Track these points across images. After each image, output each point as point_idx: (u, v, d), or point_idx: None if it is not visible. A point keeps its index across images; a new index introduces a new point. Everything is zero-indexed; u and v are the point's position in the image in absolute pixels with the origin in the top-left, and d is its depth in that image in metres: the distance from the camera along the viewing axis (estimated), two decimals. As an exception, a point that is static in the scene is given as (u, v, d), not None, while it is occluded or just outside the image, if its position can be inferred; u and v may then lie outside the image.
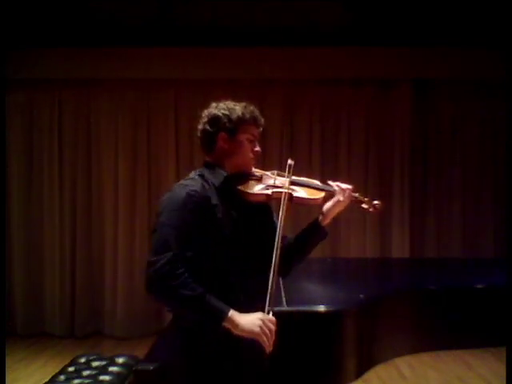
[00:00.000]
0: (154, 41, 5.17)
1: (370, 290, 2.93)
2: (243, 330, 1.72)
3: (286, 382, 2.35)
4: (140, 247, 5.39)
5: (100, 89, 5.47)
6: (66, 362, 3.31)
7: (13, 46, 4.84)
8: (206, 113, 1.98)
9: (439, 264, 4.42)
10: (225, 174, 1.93)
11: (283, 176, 2.01)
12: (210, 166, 1.97)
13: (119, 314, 5.39)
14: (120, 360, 3.19)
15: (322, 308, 2.44)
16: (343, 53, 5.30)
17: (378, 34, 5.18)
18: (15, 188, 5.44)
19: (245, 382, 1.87)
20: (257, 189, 1.96)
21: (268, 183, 1.99)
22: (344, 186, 2.05)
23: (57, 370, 3.17)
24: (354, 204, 2.11)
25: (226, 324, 1.72)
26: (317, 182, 2.09)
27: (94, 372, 3.05)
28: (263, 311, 1.74)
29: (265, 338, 1.71)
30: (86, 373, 3.04)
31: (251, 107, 1.98)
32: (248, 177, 1.99)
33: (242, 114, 1.94)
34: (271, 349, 1.73)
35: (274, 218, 2.00)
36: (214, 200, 1.86)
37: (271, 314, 1.75)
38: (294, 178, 2.03)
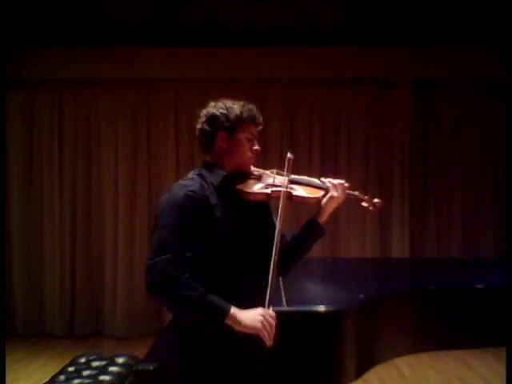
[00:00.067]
0: (154, 41, 5.17)
1: (370, 290, 2.93)
2: (245, 326, 1.74)
3: (286, 381, 2.35)
4: (140, 247, 5.39)
5: (100, 89, 5.47)
6: (66, 362, 3.31)
7: (13, 46, 4.84)
8: (204, 112, 1.98)
9: (439, 264, 4.42)
10: (224, 174, 1.92)
11: (282, 175, 2.00)
12: (208, 165, 1.97)
13: (119, 314, 5.39)
14: (120, 360, 3.19)
15: (321, 308, 2.44)
16: (343, 53, 5.29)
17: (378, 34, 5.18)
18: (15, 188, 5.44)
19: (247, 374, 1.87)
20: (256, 188, 1.96)
21: (267, 182, 1.98)
22: (336, 181, 2.04)
23: (57, 370, 3.17)
24: (354, 202, 2.11)
25: (228, 321, 1.74)
26: (316, 181, 2.08)
27: (93, 372, 3.05)
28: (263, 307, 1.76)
29: (266, 333, 1.73)
30: (85, 373, 3.04)
31: (249, 106, 1.98)
32: (247, 176, 1.98)
33: (241, 112, 1.94)
34: (272, 343, 1.75)
35: (274, 217, 1.99)
36: (213, 199, 1.86)
37: (271, 308, 1.76)
38: (293, 176, 2.03)
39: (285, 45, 5.22)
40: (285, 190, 1.93)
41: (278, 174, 2.03)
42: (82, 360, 3.24)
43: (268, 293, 1.76)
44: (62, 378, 2.99)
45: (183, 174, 2.00)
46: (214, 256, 1.83)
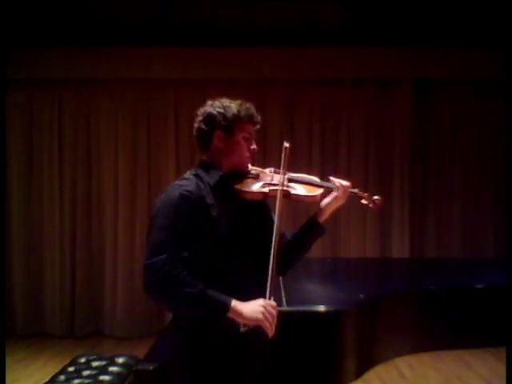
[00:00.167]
0: (154, 41, 5.16)
1: (370, 290, 2.93)
2: (246, 318, 1.74)
3: (287, 381, 2.35)
4: (140, 247, 5.38)
5: (100, 89, 5.47)
6: (66, 362, 3.31)
7: (13, 46, 4.84)
8: (201, 111, 1.97)
9: (439, 264, 4.42)
10: (220, 173, 1.91)
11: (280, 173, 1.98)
12: (205, 165, 1.97)
13: (119, 314, 5.39)
14: (120, 360, 3.19)
15: (321, 308, 2.44)
16: (343, 53, 5.29)
17: (378, 34, 5.18)
18: (15, 188, 5.44)
19: (247, 374, 1.87)
20: (253, 187, 1.94)
21: (265, 181, 1.97)
22: (344, 182, 2.04)
23: (57, 370, 3.17)
24: (354, 200, 2.10)
25: (229, 314, 1.74)
26: (315, 179, 2.07)
27: (94, 372, 3.05)
28: None
29: (267, 324, 1.73)
30: (85, 373, 3.04)
31: (247, 104, 1.96)
32: (245, 175, 1.97)
33: (238, 111, 1.93)
34: (273, 333, 1.75)
35: (273, 215, 1.97)
36: (209, 199, 1.85)
37: (272, 299, 1.77)
38: (291, 174, 2.01)
39: (285, 45, 5.21)
40: (282, 188, 1.91)
41: (275, 172, 2.01)
42: (82, 360, 3.24)
43: (269, 284, 1.76)
44: (62, 378, 2.99)
45: (183, 174, 2.00)
46: (210, 256, 1.82)
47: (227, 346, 1.82)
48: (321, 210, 2.03)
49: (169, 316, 2.01)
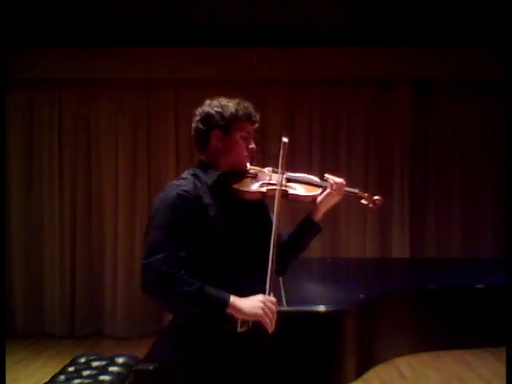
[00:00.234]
0: (154, 41, 5.16)
1: (370, 290, 2.93)
2: (246, 314, 1.74)
3: (287, 381, 2.35)
4: (140, 247, 5.37)
5: (100, 89, 5.47)
6: (66, 362, 3.31)
7: (13, 46, 4.84)
8: (199, 111, 1.96)
9: (439, 264, 4.42)
10: (218, 173, 1.91)
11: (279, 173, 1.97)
12: (203, 164, 1.96)
13: (119, 314, 5.39)
14: (120, 360, 3.19)
15: (322, 308, 2.44)
16: (343, 53, 5.29)
17: (378, 34, 5.18)
18: (15, 188, 5.44)
19: (247, 374, 1.87)
20: (252, 187, 1.93)
21: (263, 181, 1.96)
22: (338, 179, 2.02)
23: (57, 370, 3.17)
24: (354, 200, 2.09)
25: (228, 311, 1.74)
26: (314, 178, 2.06)
27: (94, 372, 3.05)
28: None
29: (267, 319, 1.72)
30: (85, 373, 3.04)
31: (245, 103, 1.95)
32: (243, 175, 1.96)
33: (236, 110, 1.92)
34: (273, 329, 1.74)
35: (271, 214, 1.97)
36: (207, 199, 1.85)
37: (272, 294, 1.76)
38: (289, 174, 2.00)
39: (285, 45, 5.21)
40: (280, 188, 1.90)
41: (274, 171, 2.00)
42: (82, 360, 3.24)
43: (268, 279, 1.76)
44: (62, 378, 2.99)
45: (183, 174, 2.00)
46: (208, 255, 1.82)
47: (227, 346, 1.81)
48: (316, 208, 2.02)
49: (169, 316, 2.01)
